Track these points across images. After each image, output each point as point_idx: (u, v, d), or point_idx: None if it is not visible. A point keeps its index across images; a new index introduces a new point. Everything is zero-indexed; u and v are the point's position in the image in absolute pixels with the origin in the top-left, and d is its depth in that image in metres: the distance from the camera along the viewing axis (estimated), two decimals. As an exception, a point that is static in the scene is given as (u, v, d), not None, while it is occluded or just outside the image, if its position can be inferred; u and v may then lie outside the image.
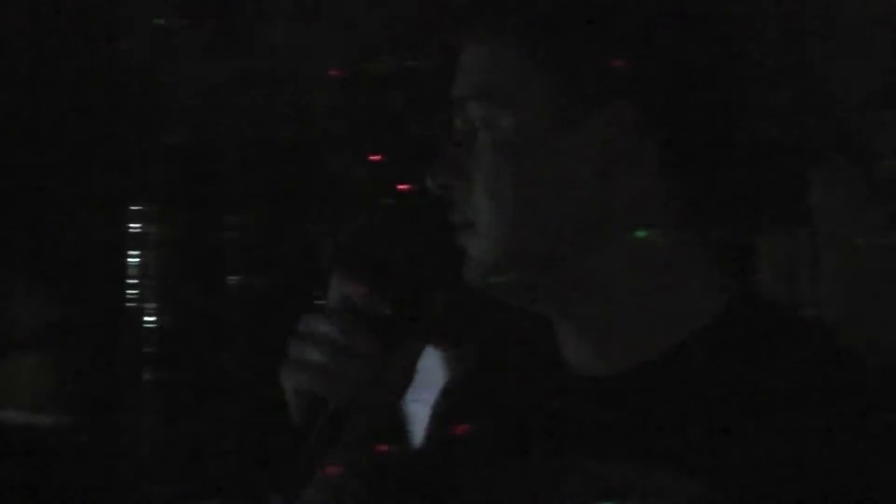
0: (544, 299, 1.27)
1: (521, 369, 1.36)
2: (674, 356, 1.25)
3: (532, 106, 1.24)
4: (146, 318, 3.07)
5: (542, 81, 1.24)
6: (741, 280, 1.34)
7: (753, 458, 1.18)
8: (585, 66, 1.24)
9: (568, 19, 1.25)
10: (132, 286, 3.07)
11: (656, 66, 1.25)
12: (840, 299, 2.91)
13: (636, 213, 1.25)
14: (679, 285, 1.27)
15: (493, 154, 1.24)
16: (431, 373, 1.51)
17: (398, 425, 1.37)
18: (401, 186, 3.08)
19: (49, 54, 3.11)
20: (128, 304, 2.93)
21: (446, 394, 1.43)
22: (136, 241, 3.08)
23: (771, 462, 1.18)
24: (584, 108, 1.23)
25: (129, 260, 3.09)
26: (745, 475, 1.17)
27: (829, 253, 2.93)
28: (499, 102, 1.24)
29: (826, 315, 2.86)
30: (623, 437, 1.24)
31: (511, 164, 1.24)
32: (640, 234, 1.25)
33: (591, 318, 1.26)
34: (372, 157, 3.00)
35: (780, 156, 2.83)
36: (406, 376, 1.33)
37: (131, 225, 3.05)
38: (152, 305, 3.07)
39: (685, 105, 1.27)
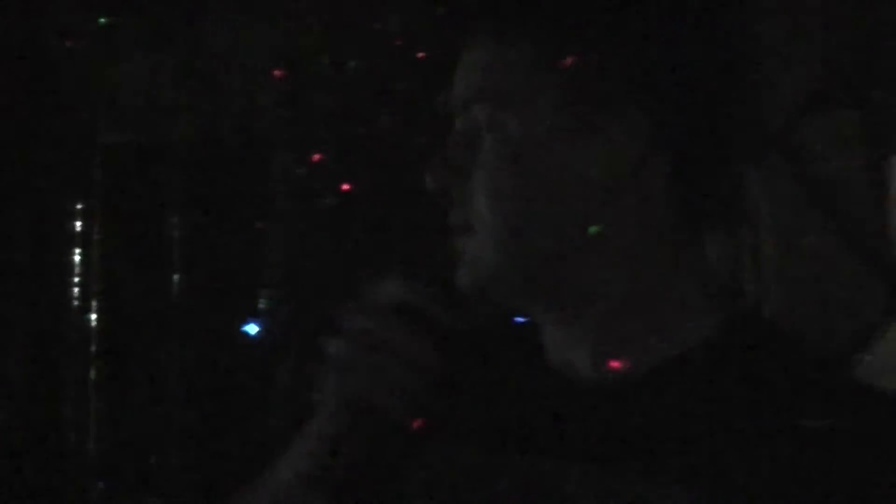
0: (541, 303, 1.27)
1: (508, 372, 1.34)
2: (670, 369, 1.24)
3: (541, 110, 1.23)
4: (90, 316, 3.05)
5: (553, 85, 1.22)
6: (736, 296, 1.35)
7: (744, 469, 1.18)
8: (598, 72, 1.22)
9: (580, 22, 1.23)
10: (76, 284, 3.06)
11: (664, 72, 1.24)
12: (779, 291, 3.00)
13: (639, 220, 1.24)
14: (677, 298, 1.25)
15: (497, 156, 1.23)
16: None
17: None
18: (343, 186, 3.14)
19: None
20: (72, 303, 2.92)
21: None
22: (80, 240, 3.06)
23: (762, 472, 1.17)
24: (595, 115, 1.22)
25: (73, 258, 3.07)
26: (735, 485, 1.17)
27: (770, 248, 3.03)
28: (506, 105, 1.23)
29: (766, 306, 2.96)
30: (614, 443, 1.23)
31: (516, 167, 1.23)
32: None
33: (587, 324, 1.25)
34: (314, 158, 3.04)
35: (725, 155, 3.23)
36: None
37: (74, 223, 3.03)
38: (95, 304, 3.05)
39: (693, 113, 1.25)
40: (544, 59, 1.21)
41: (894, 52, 3.07)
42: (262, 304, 2.89)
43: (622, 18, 1.22)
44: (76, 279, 3.01)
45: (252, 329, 2.98)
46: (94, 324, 3.00)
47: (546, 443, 1.24)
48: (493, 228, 1.23)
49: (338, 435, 1.24)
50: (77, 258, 3.01)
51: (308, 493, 1.26)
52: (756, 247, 3.08)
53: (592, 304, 1.24)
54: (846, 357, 2.76)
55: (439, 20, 1.51)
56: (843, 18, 3.16)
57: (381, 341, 1.21)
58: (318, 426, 1.26)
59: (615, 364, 1.25)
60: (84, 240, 3.01)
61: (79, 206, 2.97)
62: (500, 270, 1.23)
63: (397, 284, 1.24)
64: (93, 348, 3.01)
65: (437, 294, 1.25)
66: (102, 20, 3.02)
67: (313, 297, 3.04)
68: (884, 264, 2.87)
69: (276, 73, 3.03)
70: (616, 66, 1.21)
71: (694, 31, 1.25)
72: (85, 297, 3.03)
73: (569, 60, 1.20)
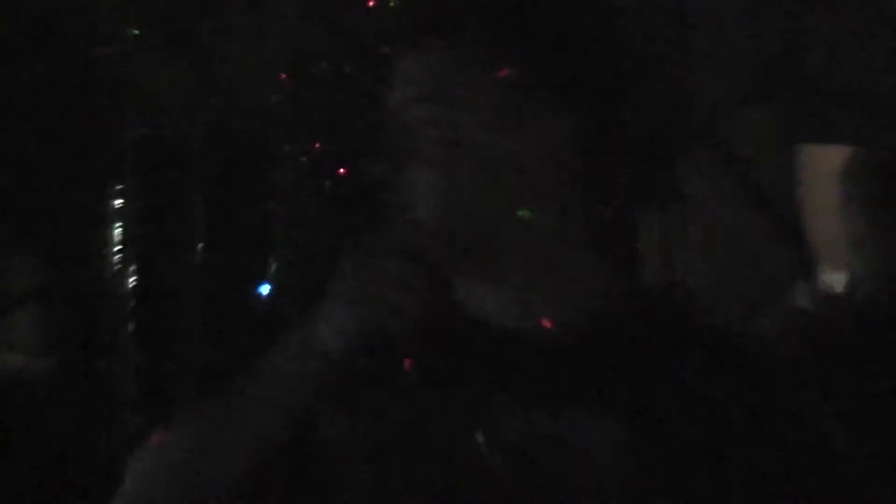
0: (473, 268, 1.35)
1: (428, 321, 1.37)
2: (576, 323, 1.34)
3: (478, 110, 1.31)
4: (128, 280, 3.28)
5: (489, 89, 1.30)
6: (628, 269, 1.44)
7: (644, 405, 1.29)
8: (528, 79, 1.30)
9: (515, 37, 1.32)
10: (117, 252, 3.26)
11: (583, 80, 1.33)
12: (703, 267, 3.33)
13: (557, 203, 1.34)
14: (585, 267, 1.36)
15: (436, 150, 1.31)
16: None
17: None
18: (340, 170, 3.40)
19: (40, 61, 3.28)
20: (114, 268, 3.11)
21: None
22: (119, 215, 3.29)
23: (659, 407, 1.29)
24: (524, 115, 1.31)
25: (114, 231, 3.28)
26: (637, 418, 1.29)
27: (696, 228, 3.34)
28: (446, 105, 1.31)
29: (691, 279, 3.20)
30: (534, 380, 1.33)
31: (453, 159, 1.31)
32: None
33: (512, 286, 1.35)
34: (315, 146, 3.23)
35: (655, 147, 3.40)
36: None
37: (115, 201, 3.26)
38: (132, 268, 3.26)
39: (609, 112, 1.35)
40: (482, 68, 1.29)
41: (803, 60, 3.33)
42: (271, 269, 3.11)
43: (547, 35, 1.31)
44: (116, 248, 3.28)
45: (264, 289, 3.21)
46: (131, 286, 3.28)
47: (476, 379, 1.34)
48: (431, 211, 1.31)
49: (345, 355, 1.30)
50: (117, 231, 3.28)
51: (279, 421, 1.32)
52: (684, 224, 3.39)
53: (516, 270, 1.34)
54: (754, 315, 2.87)
55: (390, 29, 1.54)
56: (762, 31, 3.42)
57: (385, 277, 1.28)
58: (305, 363, 1.31)
59: (547, 323, 1.35)
60: (122, 216, 3.28)
61: (118, 188, 3.23)
62: (434, 241, 1.31)
63: (397, 233, 1.32)
64: (131, 305, 3.30)
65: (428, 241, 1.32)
66: (134, 32, 3.31)
67: (313, 262, 3.27)
68: (791, 237, 3.06)
69: (282, 76, 3.30)
70: (542, 74, 1.30)
71: (598, 47, 1.35)
72: (124, 262, 3.28)
73: (504, 71, 1.30)
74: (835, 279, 2.80)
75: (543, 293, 1.36)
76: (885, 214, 2.57)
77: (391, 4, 2.85)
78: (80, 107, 3.31)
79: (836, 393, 1.74)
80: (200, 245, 3.35)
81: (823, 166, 2.93)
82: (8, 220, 3.26)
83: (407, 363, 1.35)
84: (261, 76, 3.31)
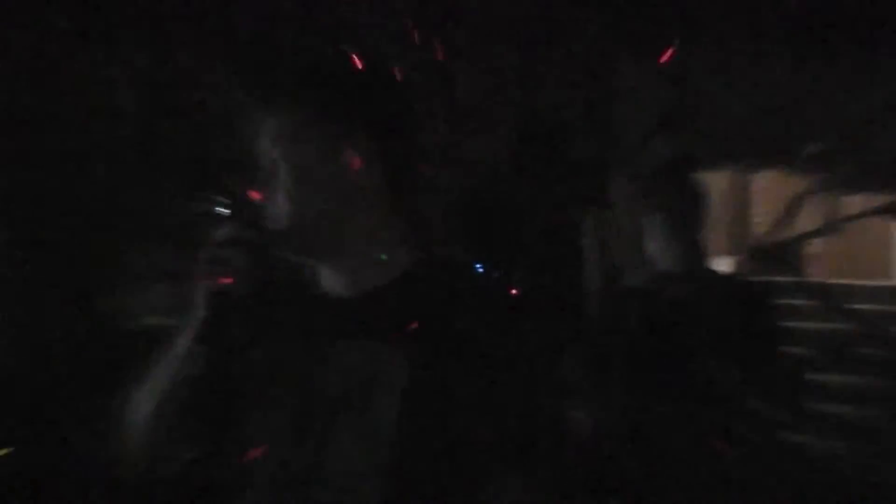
0: (315, 253, 1.71)
1: (294, 296, 1.77)
2: (388, 286, 1.70)
3: (314, 150, 1.66)
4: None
5: (321, 137, 1.66)
6: (424, 247, 1.77)
7: (435, 341, 1.65)
8: (348, 133, 1.67)
9: (346, 104, 1.68)
10: None
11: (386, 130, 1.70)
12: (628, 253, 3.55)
13: (367, 209, 1.69)
14: (388, 248, 1.72)
15: (288, 175, 1.66)
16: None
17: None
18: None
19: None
20: None
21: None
22: None
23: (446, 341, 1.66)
24: (345, 153, 1.66)
25: None
26: (430, 345, 1.65)
27: (626, 226, 3.64)
28: (294, 147, 1.67)
29: (622, 263, 3.57)
30: (363, 325, 1.68)
31: (300, 181, 1.66)
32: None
33: (342, 267, 1.72)
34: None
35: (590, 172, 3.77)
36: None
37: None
38: None
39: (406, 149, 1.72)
40: (317, 125, 1.66)
41: (690, 109, 3.82)
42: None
43: (365, 100, 1.69)
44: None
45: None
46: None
47: (330, 329, 1.70)
48: (285, 214, 1.65)
49: (207, 309, 1.65)
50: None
51: (191, 357, 1.69)
52: (618, 225, 3.81)
53: (344, 254, 1.70)
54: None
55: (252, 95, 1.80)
56: (661, 91, 3.97)
57: (223, 254, 1.64)
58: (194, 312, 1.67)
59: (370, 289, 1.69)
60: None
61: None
62: (290, 236, 1.67)
63: (228, 229, 1.66)
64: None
65: (251, 233, 1.67)
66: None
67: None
68: (686, 237, 3.22)
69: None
70: (358, 128, 1.67)
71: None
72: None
73: (333, 126, 1.66)
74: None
75: (362, 270, 1.72)
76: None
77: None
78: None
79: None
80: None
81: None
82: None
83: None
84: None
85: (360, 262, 1.74)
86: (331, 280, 1.76)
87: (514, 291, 1.75)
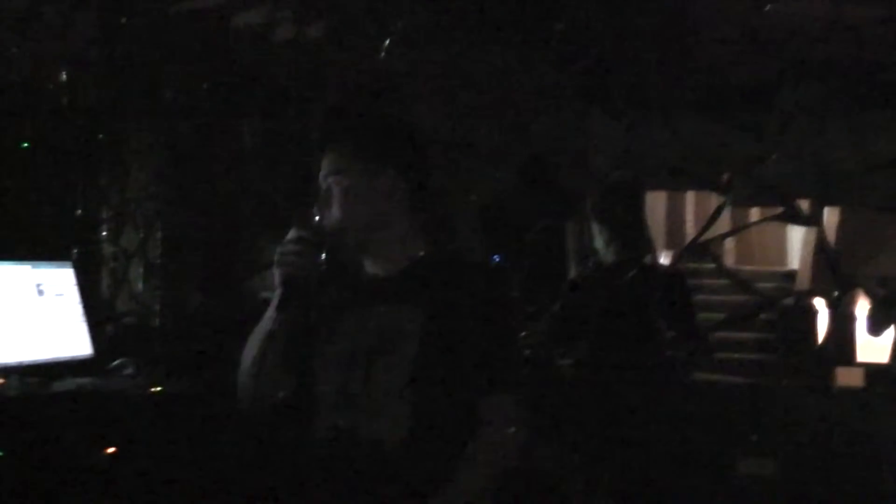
0: (355, 248, 2.10)
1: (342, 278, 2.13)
2: (405, 270, 2.09)
3: (354, 176, 2.05)
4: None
5: (359, 169, 2.06)
6: (437, 240, 2.12)
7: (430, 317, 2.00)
8: (375, 162, 2.06)
9: (380, 146, 2.09)
10: None
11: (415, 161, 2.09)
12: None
13: (394, 219, 2.08)
14: (404, 242, 2.09)
15: (339, 194, 2.05)
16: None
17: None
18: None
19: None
20: None
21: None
22: None
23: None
24: (375, 179, 2.04)
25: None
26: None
27: (588, 229, 4.32)
28: (343, 175, 2.05)
29: (589, 254, 4.23)
30: (372, 296, 2.04)
31: (346, 199, 2.04)
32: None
33: (373, 256, 2.10)
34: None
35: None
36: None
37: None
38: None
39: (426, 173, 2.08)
40: (358, 162, 2.05)
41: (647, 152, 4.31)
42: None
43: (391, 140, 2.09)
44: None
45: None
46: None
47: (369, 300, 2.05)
48: (339, 224, 2.02)
49: (283, 295, 1.99)
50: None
51: (274, 320, 2.05)
52: (586, 228, 4.42)
53: (378, 248, 2.09)
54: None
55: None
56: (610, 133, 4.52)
57: (293, 250, 1.97)
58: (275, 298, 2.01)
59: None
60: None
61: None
62: (344, 239, 2.04)
63: (296, 232, 1.98)
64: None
65: (311, 235, 1.99)
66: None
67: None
68: (636, 242, 4.05)
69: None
70: (387, 164, 2.06)
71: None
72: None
73: (369, 163, 2.01)
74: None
75: (389, 259, 2.07)
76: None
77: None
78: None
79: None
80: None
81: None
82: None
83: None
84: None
85: (390, 253, 2.14)
86: (368, 266, 2.15)
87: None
